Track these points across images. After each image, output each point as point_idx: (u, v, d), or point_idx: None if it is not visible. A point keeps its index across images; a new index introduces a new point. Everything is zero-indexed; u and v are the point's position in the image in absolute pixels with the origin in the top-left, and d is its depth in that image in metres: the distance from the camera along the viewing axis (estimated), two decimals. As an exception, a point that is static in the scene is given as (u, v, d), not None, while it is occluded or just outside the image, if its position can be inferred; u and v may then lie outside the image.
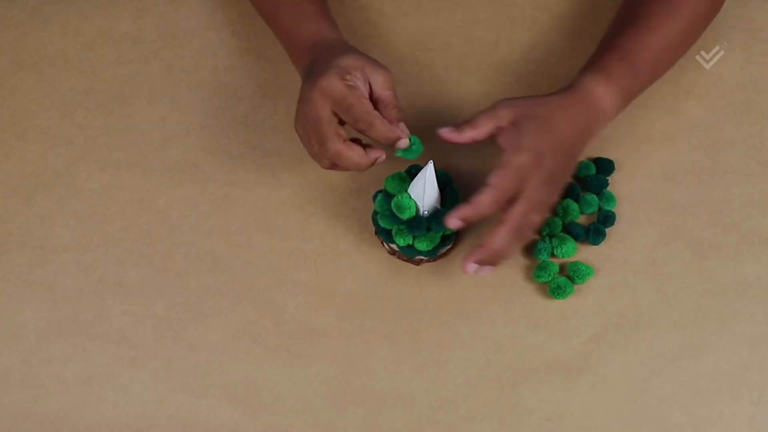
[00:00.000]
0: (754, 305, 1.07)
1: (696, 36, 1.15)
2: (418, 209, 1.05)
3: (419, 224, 1.04)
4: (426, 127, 1.17)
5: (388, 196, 1.06)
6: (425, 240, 1.06)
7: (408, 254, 1.07)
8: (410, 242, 1.06)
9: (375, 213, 1.07)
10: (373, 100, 1.05)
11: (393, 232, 1.06)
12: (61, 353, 1.06)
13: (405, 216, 1.04)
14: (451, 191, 1.07)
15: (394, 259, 1.10)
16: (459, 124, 1.04)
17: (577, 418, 1.02)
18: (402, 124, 1.04)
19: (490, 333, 1.06)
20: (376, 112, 1.02)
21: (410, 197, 1.04)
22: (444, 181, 1.08)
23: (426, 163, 1.04)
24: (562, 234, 1.10)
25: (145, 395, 1.04)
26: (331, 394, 1.03)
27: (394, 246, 1.08)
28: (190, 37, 1.25)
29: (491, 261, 1.02)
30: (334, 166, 1.05)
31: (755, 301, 1.07)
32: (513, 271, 1.09)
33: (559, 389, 1.03)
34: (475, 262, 1.01)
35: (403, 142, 1.03)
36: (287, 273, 1.10)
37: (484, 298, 1.08)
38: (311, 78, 1.04)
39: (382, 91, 1.05)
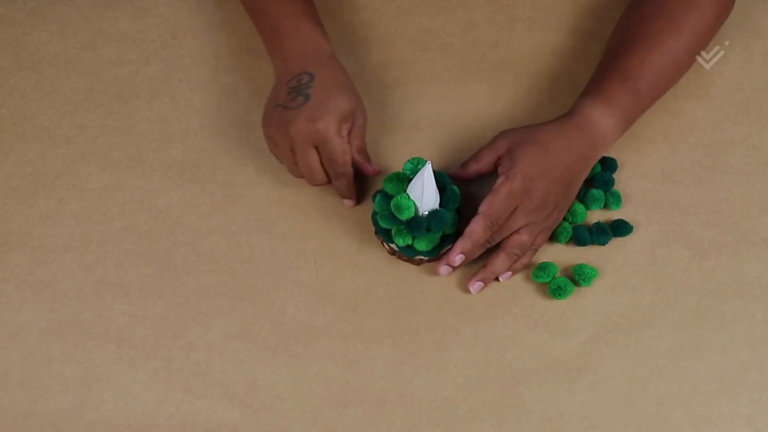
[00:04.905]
0: (754, 305, 1.07)
1: (701, 48, 1.15)
2: (417, 209, 1.05)
3: (418, 225, 1.04)
4: (426, 126, 1.18)
5: (387, 197, 1.06)
6: (425, 240, 1.06)
7: (408, 254, 1.07)
8: (410, 242, 1.06)
9: (374, 213, 1.07)
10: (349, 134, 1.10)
11: (392, 233, 1.06)
12: (61, 353, 1.06)
13: (404, 216, 1.04)
14: (451, 192, 1.07)
15: (394, 259, 1.10)
16: (464, 162, 1.10)
17: (577, 418, 1.02)
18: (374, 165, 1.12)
19: (490, 333, 1.06)
20: (351, 170, 1.08)
21: (409, 198, 1.04)
22: (443, 181, 1.08)
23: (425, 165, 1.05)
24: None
25: (145, 395, 1.04)
26: (331, 394, 1.03)
27: (393, 246, 1.08)
28: (190, 37, 1.25)
29: (484, 277, 1.08)
30: (303, 164, 1.08)
31: (755, 301, 1.07)
32: (513, 271, 1.09)
33: (559, 389, 1.03)
34: (480, 281, 1.07)
35: (349, 203, 1.12)
36: (287, 273, 1.10)
37: (484, 298, 1.08)
38: (310, 105, 1.06)
39: (359, 134, 1.10)
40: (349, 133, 1.08)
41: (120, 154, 1.17)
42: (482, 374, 1.04)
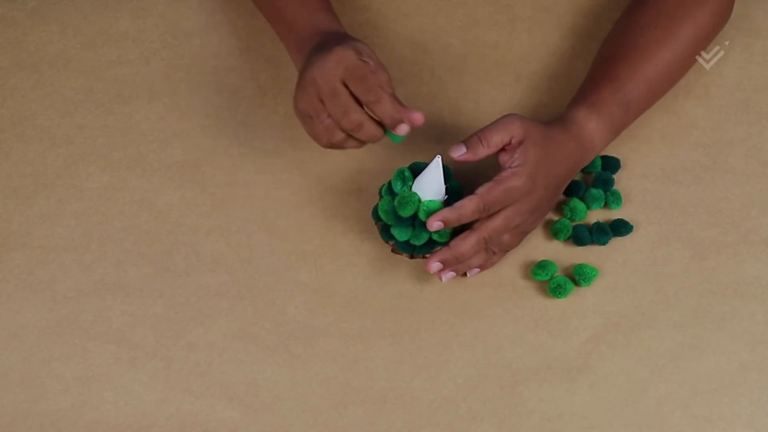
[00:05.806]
0: (754, 305, 1.07)
1: (694, 57, 1.15)
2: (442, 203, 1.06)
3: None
4: (426, 126, 1.17)
5: (416, 225, 1.05)
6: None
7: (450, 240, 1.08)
8: (449, 231, 1.06)
9: (414, 247, 1.06)
10: None
11: (435, 237, 1.06)
12: (61, 353, 1.06)
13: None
14: (444, 167, 1.08)
15: (394, 258, 1.10)
16: (468, 141, 1.04)
17: (577, 418, 1.02)
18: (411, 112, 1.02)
19: (490, 333, 1.06)
20: (388, 88, 1.01)
21: (433, 200, 1.04)
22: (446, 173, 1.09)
23: (428, 161, 1.05)
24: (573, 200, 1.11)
25: (145, 395, 1.04)
26: (331, 394, 1.03)
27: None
28: (190, 37, 1.25)
29: (456, 268, 1.05)
30: (340, 143, 1.04)
31: (755, 301, 1.07)
32: (512, 270, 1.09)
33: (559, 389, 1.03)
34: (439, 261, 1.04)
35: (404, 128, 1.01)
36: (287, 273, 1.10)
37: (484, 298, 1.08)
38: (323, 51, 1.02)
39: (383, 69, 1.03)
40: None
41: (120, 154, 1.17)
42: (482, 374, 1.04)
